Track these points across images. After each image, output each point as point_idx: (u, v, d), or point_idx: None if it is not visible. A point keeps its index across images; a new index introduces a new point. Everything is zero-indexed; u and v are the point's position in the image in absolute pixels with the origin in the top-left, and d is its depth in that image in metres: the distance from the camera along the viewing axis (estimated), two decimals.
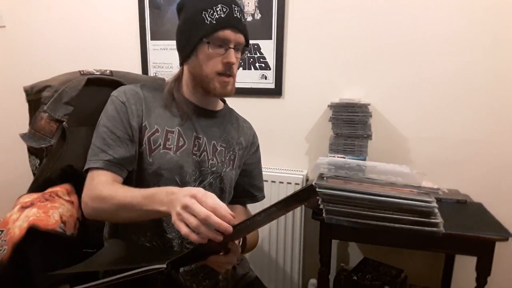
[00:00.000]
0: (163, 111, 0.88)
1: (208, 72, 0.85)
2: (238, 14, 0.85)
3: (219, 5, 0.82)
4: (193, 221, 0.58)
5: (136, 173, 0.86)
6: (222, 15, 0.83)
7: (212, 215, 0.58)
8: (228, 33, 0.83)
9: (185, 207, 0.60)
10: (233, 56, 0.83)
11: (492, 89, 1.40)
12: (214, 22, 0.82)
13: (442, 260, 1.50)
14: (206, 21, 0.83)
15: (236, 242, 0.75)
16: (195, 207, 0.59)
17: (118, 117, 0.84)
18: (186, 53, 0.88)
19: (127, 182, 0.85)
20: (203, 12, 0.83)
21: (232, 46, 0.84)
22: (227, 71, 0.85)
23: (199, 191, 0.62)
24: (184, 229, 0.59)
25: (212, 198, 0.61)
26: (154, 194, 0.68)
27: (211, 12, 0.82)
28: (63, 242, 0.86)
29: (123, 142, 0.83)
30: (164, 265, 0.57)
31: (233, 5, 0.84)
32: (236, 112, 1.05)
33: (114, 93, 0.88)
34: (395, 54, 1.47)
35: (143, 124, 0.86)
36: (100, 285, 0.61)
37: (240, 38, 0.85)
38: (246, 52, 0.94)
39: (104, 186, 0.78)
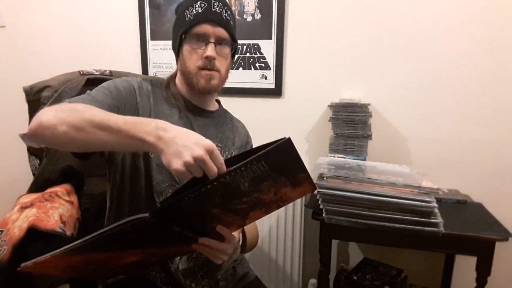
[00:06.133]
0: (164, 108, 0.89)
1: (191, 68, 0.86)
2: (218, 8, 0.85)
3: (198, 2, 0.84)
4: (199, 174, 0.57)
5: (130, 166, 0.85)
6: (200, 10, 0.84)
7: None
8: (205, 28, 0.84)
9: (199, 160, 0.56)
10: (212, 50, 0.84)
11: (492, 89, 1.40)
12: (192, 18, 0.84)
13: (442, 260, 1.50)
14: (186, 18, 0.85)
15: (235, 234, 0.74)
16: (209, 165, 0.56)
17: (124, 94, 0.82)
18: (175, 51, 0.91)
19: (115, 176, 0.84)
20: (185, 11, 0.85)
21: (212, 40, 0.85)
22: (208, 66, 0.85)
23: (212, 145, 0.58)
24: (187, 175, 0.57)
25: (221, 158, 0.59)
26: (139, 121, 0.62)
27: (191, 9, 0.85)
28: (63, 243, 0.85)
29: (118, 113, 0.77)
30: (146, 214, 0.56)
31: (212, 1, 0.84)
32: (230, 112, 1.06)
33: (126, 77, 0.88)
34: (395, 54, 1.47)
35: None
36: (87, 241, 0.59)
37: (221, 32, 0.85)
38: (236, 47, 0.92)
39: (80, 104, 0.70)
